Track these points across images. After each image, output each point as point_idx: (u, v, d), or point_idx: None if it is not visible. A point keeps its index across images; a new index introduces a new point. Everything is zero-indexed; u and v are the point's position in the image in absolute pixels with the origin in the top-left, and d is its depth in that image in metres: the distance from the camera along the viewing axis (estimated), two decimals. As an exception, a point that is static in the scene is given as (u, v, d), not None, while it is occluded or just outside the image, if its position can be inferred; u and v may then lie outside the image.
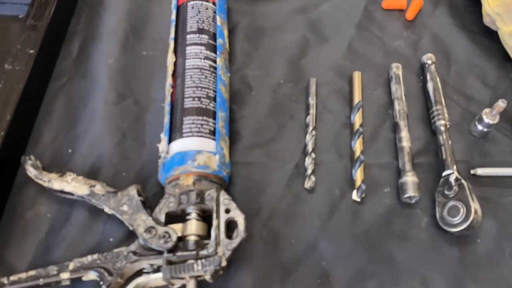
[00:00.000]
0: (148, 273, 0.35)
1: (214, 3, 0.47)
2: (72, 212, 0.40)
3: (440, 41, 0.52)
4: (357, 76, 0.48)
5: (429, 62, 0.48)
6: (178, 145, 0.38)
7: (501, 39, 0.50)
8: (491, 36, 0.51)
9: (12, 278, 0.35)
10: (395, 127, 0.45)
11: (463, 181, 0.40)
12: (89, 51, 0.49)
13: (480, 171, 0.43)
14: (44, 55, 0.45)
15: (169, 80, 0.42)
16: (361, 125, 0.45)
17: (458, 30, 0.53)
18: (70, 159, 0.42)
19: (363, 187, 0.41)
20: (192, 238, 0.35)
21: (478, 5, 0.52)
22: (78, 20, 0.51)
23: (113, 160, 0.42)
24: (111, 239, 0.38)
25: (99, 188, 0.38)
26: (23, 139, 0.42)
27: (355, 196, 0.41)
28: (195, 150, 0.37)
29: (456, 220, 0.38)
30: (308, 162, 0.42)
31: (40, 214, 0.39)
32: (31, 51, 0.43)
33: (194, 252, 0.34)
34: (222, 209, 0.36)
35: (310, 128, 0.44)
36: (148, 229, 0.35)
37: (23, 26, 0.45)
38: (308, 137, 0.44)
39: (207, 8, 0.46)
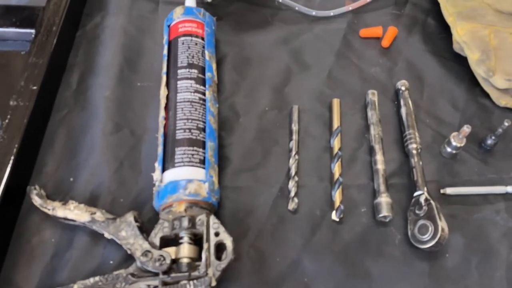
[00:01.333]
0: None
1: (203, 38, 0.50)
2: (74, 237, 0.43)
3: (414, 67, 0.56)
4: (336, 103, 0.51)
5: (403, 88, 0.52)
6: (171, 174, 0.41)
7: (470, 65, 0.54)
8: (461, 61, 0.55)
9: (21, 300, 0.38)
10: (371, 151, 0.49)
11: (432, 201, 0.43)
12: (87, 83, 0.52)
13: (449, 191, 0.47)
14: (46, 89, 0.49)
15: (162, 113, 0.46)
16: (340, 149, 0.48)
17: (431, 56, 0.57)
18: (72, 187, 0.46)
19: (342, 207, 0.45)
20: (184, 261, 0.38)
21: (449, 32, 0.56)
22: (77, 53, 0.55)
23: (111, 187, 0.45)
24: (111, 262, 0.42)
25: (99, 215, 0.41)
26: (28, 170, 0.46)
27: (334, 216, 0.45)
28: (186, 179, 0.40)
29: (425, 237, 0.42)
30: (291, 185, 0.46)
31: (45, 239, 0.43)
32: (34, 88, 0.47)
33: (186, 274, 0.38)
34: (212, 232, 0.40)
35: (293, 152, 0.48)
36: (145, 253, 0.39)
37: (26, 63, 0.49)
38: (291, 161, 0.48)
39: (196, 44, 0.49)
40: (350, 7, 0.59)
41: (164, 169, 0.42)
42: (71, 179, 0.46)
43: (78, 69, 0.53)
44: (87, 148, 0.48)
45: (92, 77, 0.53)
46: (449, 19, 0.56)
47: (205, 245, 0.39)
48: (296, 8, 0.59)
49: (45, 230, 0.43)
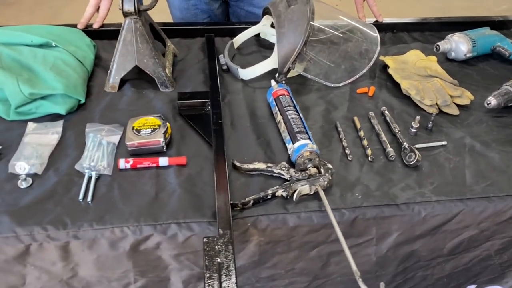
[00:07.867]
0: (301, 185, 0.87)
1: (289, 95, 1.07)
2: (253, 178, 0.92)
3: (386, 102, 1.14)
4: (356, 118, 1.08)
5: (385, 109, 1.10)
6: (298, 144, 0.94)
7: (412, 97, 1.13)
8: (408, 97, 1.14)
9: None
10: (378, 135, 1.04)
11: (411, 146, 0.98)
12: (234, 121, 1.06)
13: (417, 146, 1.01)
14: (221, 123, 1.01)
15: (282, 125, 0.99)
16: (364, 135, 1.03)
17: (393, 96, 1.16)
18: (245, 161, 0.96)
19: (373, 156, 0.98)
20: (313, 173, 0.89)
21: (399, 86, 1.16)
22: (225, 110, 1.08)
23: (264, 159, 0.96)
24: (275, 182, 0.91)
25: (268, 165, 0.92)
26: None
27: (369, 159, 0.97)
28: (306, 143, 0.93)
29: (412, 160, 0.95)
30: (347, 151, 0.99)
31: (241, 181, 0.92)
32: (219, 121, 1.00)
33: (318, 176, 0.88)
34: (321, 164, 0.91)
35: (343, 138, 1.02)
36: (296, 172, 0.89)
37: (208, 114, 1.02)
38: (344, 143, 1.01)
39: (287, 98, 1.06)
40: (349, 80, 1.19)
41: (293, 143, 0.95)
42: (245, 158, 0.97)
43: (228, 116, 1.07)
44: (246, 147, 1.00)
45: (236, 119, 1.07)
46: (398, 80, 1.17)
47: (322, 168, 0.90)
48: (324, 83, 1.18)
49: (240, 178, 0.92)
